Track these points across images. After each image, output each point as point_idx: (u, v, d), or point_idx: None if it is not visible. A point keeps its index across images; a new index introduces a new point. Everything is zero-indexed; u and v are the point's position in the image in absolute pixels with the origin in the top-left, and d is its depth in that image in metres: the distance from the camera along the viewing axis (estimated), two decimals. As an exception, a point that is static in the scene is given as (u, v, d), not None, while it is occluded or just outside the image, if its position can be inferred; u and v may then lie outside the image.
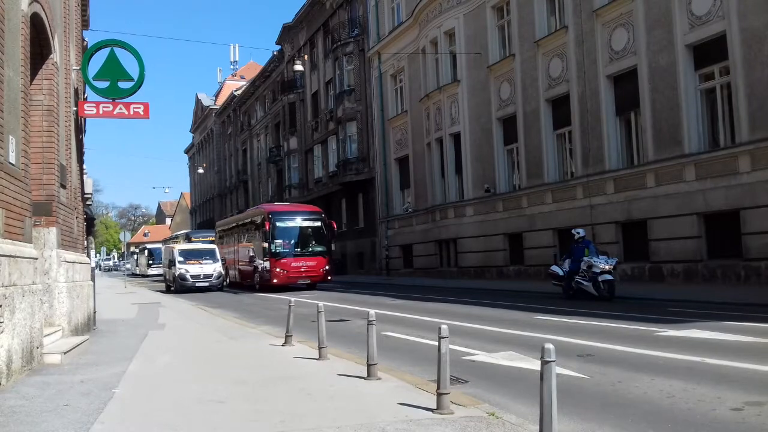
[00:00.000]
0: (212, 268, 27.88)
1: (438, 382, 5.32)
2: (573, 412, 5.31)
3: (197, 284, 27.23)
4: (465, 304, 15.72)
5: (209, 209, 75.96)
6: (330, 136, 41.88)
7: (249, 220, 29.20)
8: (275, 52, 50.50)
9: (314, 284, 25.40)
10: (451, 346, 6.50)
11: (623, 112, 20.08)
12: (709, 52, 17.07)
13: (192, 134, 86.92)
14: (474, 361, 7.92)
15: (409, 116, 32.55)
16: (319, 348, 8.12)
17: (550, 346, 4.14)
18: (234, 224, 32.39)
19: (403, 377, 6.77)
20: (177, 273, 27.49)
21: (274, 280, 24.88)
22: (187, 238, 41.72)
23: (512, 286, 21.09)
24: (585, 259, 15.37)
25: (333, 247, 27.31)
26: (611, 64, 20.07)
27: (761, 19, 15.39)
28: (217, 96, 76.53)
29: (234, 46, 72.39)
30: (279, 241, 25.14)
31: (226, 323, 13.46)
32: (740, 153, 15.95)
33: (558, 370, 4.58)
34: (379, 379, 6.64)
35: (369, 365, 6.74)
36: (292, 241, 25.38)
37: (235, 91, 64.75)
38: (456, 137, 27.60)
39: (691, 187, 17.29)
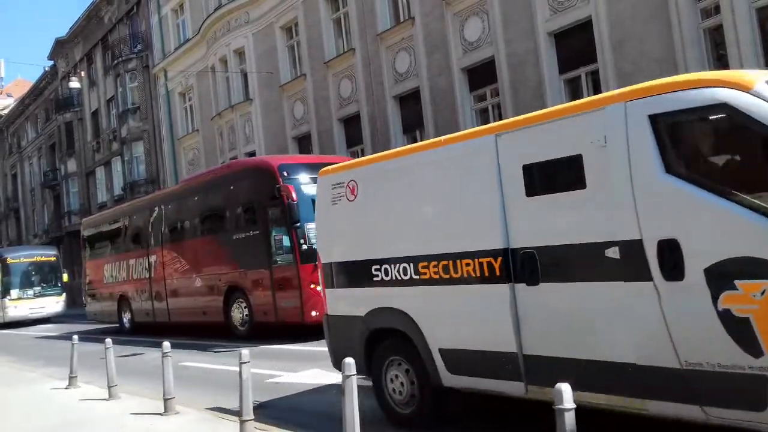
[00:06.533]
0: None
1: (240, 409, 5.17)
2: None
3: None
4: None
5: (-27, 242, 67.17)
6: (114, 157, 39.23)
7: (217, 186, 14.34)
8: (47, 68, 46.42)
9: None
10: (255, 370, 6.35)
11: (410, 130, 21.21)
12: (481, 75, 18.65)
13: (-52, 158, 76.57)
14: (278, 383, 7.82)
15: (201, 135, 31.52)
16: (109, 387, 7.51)
17: (350, 360, 4.20)
18: (173, 199, 16.61)
19: (204, 409, 6.48)
20: None
21: (313, 313, 10.98)
22: (1, 263, 30.04)
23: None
24: None
25: None
26: (396, 85, 21.14)
27: (524, 46, 17.17)
28: (-22, 115, 68.28)
29: (-2, 61, 64.77)
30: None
31: (-3, 370, 11.91)
32: (511, 167, 17.61)
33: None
34: (178, 413, 6.29)
35: (165, 400, 6.36)
36: None
37: (1, 110, 58.66)
38: (251, 156, 27.27)
39: (472, 198, 18.71)
